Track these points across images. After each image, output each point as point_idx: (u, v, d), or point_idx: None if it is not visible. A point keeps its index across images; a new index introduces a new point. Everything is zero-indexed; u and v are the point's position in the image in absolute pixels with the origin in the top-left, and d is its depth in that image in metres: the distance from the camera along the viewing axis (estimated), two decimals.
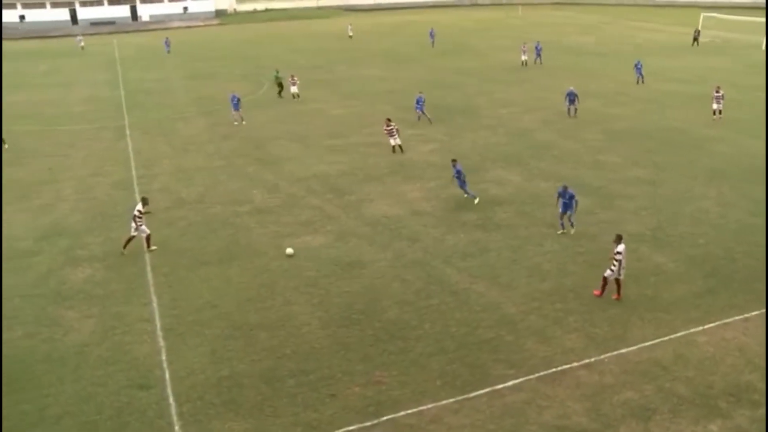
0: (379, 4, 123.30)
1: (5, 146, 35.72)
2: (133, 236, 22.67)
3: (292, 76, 47.65)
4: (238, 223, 25.14)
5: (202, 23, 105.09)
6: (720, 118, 36.99)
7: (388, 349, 16.83)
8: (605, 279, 18.60)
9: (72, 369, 16.50)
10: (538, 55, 57.54)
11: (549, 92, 45.97)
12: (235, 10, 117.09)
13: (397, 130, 32.42)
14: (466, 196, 26.60)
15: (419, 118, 38.70)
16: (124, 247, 22.79)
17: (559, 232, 23.05)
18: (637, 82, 47.59)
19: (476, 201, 26.24)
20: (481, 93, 46.45)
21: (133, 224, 22.49)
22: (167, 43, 74.52)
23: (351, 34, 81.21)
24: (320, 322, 18.18)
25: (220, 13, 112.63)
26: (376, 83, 51.16)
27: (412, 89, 48.02)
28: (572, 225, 23.21)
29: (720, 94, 36.95)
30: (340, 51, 69.67)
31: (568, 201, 22.48)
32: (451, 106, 42.77)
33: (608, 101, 42.03)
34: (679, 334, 16.97)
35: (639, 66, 48.26)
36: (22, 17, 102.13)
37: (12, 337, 18.00)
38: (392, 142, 32.55)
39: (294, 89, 47.09)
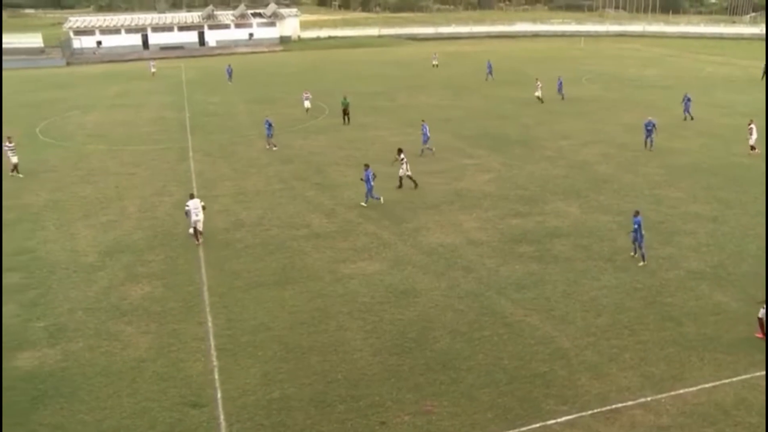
0: (440, 34, 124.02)
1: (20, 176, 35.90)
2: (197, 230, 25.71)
3: (306, 90, 52.26)
4: (294, 246, 25.46)
5: (266, 49, 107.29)
6: (754, 153, 36.46)
7: (439, 378, 16.75)
8: (760, 319, 18.04)
9: (128, 383, 16.93)
10: (560, 89, 55.94)
11: (608, 125, 45.43)
12: (299, 36, 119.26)
13: (406, 162, 31.60)
14: (363, 203, 29.54)
15: (422, 152, 37.65)
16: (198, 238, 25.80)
17: (631, 253, 23.49)
18: (685, 119, 45.68)
19: (381, 200, 29.62)
20: (540, 124, 46.16)
21: (202, 216, 25.57)
22: (229, 71, 71.85)
23: (436, 63, 78.87)
24: (372, 348, 18.23)
25: (284, 40, 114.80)
26: (435, 111, 51.27)
27: (470, 118, 48.28)
28: (642, 257, 23.26)
29: (751, 127, 36.64)
30: (401, 78, 70.20)
31: (636, 228, 22.82)
32: (508, 136, 42.63)
33: (670, 135, 41.18)
34: (741, 378, 16.45)
35: (687, 100, 46.08)
36: (99, 42, 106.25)
37: (74, 348, 18.58)
38: (400, 173, 31.71)
39: (307, 104, 51.10)
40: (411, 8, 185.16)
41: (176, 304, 21.13)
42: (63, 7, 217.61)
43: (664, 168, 34.64)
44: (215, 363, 17.75)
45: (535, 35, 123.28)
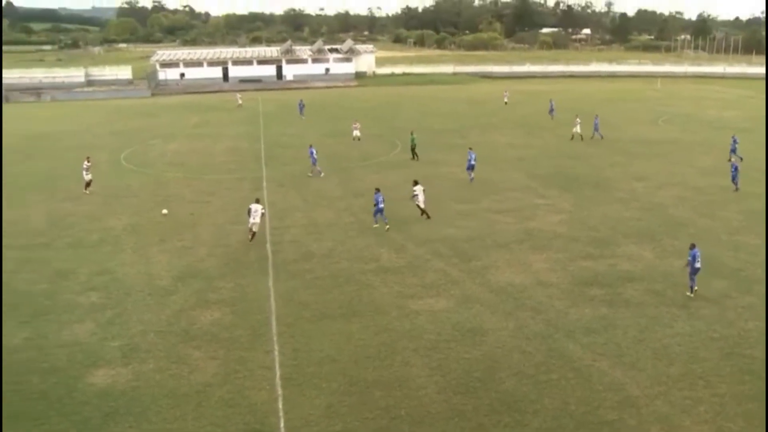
0: (514, 72, 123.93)
1: None
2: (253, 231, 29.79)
3: (355, 121, 56.42)
4: (363, 280, 25.59)
5: (342, 84, 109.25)
6: None
7: (503, 420, 16.48)
8: None
9: (194, 407, 17.24)
10: (596, 129, 55.07)
11: (685, 167, 44.39)
12: (374, 72, 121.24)
13: (421, 192, 32.75)
14: (375, 225, 31.50)
15: (472, 179, 40.45)
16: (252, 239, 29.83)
17: (687, 293, 23.45)
18: (729, 160, 44.26)
19: (387, 228, 31.23)
20: (613, 165, 45.39)
21: (259, 220, 29.77)
22: (301, 106, 72.31)
23: (506, 100, 79.42)
24: (437, 386, 18.08)
25: (359, 75, 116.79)
26: (507, 150, 51.16)
27: (542, 157, 47.92)
28: (690, 289, 23.69)
29: None
30: (474, 116, 70.33)
31: (691, 260, 23.16)
32: (580, 176, 42.05)
33: (750, 179, 39.63)
34: None
35: (733, 142, 45.81)
36: (182, 75, 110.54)
37: (145, 369, 19.09)
38: (417, 201, 32.98)
39: (356, 133, 55.18)
40: (485, 46, 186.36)
41: (244, 331, 21.47)
42: (152, 42, 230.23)
43: (742, 213, 33.50)
44: (280, 392, 17.90)
45: (611, 75, 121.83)
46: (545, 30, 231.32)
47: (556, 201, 36.37)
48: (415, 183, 33.29)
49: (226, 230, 31.89)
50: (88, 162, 39.36)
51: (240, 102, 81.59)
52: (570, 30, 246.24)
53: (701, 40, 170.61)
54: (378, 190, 31.82)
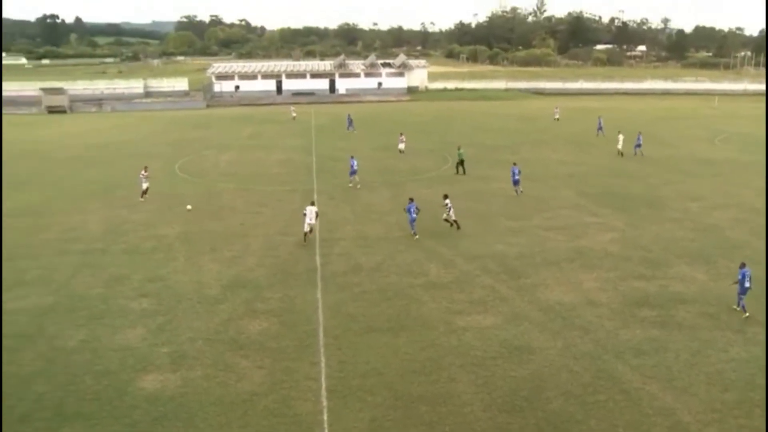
0: (567, 89, 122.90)
1: None
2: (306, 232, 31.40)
3: (401, 134, 57.22)
4: (411, 294, 25.55)
5: (394, 98, 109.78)
6: None
7: None
8: None
9: (240, 415, 17.44)
10: (638, 146, 54.58)
11: (742, 188, 43.29)
12: (426, 87, 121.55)
13: (450, 207, 33.50)
14: (414, 234, 32.30)
15: (517, 192, 41.20)
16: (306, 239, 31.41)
17: (743, 316, 23.04)
18: None
19: (415, 237, 32.12)
20: (667, 184, 44.53)
21: (314, 222, 31.34)
22: (349, 120, 72.76)
23: (557, 116, 79.36)
24: (482, 403, 17.93)
25: (411, 90, 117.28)
26: (558, 166, 50.65)
27: (594, 175, 47.31)
28: (743, 309, 23.28)
29: None
30: (525, 132, 69.88)
31: (740, 279, 22.91)
32: (633, 195, 41.35)
33: None
34: None
35: None
36: (237, 87, 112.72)
37: (193, 376, 19.39)
38: (444, 216, 33.84)
39: (401, 146, 55.90)
40: (538, 62, 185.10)
41: (291, 342, 21.63)
42: (208, 55, 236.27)
43: None
44: (325, 404, 17.97)
45: (666, 93, 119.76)
46: (599, 46, 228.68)
47: (607, 219, 35.82)
48: (446, 197, 34.00)
49: (276, 241, 32.25)
50: (146, 171, 40.73)
51: (294, 115, 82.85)
52: (625, 46, 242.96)
53: (763, 57, 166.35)
54: (412, 200, 32.70)
